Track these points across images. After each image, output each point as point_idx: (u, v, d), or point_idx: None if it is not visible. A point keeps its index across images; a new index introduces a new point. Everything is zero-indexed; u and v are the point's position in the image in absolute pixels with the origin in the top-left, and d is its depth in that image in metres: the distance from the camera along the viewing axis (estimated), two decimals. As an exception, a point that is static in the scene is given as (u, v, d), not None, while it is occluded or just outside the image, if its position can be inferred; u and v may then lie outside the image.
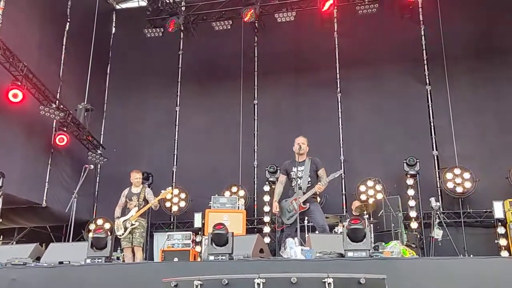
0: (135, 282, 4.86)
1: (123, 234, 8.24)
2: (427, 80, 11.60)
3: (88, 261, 5.26)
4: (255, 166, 12.06)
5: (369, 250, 4.60)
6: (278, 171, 10.59)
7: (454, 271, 4.37)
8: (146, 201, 8.47)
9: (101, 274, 5.05)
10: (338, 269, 3.93)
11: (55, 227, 12.14)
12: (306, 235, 7.10)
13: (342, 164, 11.46)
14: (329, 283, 2.79)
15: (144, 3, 13.52)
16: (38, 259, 5.82)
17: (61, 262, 5.39)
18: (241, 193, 11.37)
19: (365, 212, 9.15)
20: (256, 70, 12.79)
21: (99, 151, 12.02)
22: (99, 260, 5.24)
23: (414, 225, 10.13)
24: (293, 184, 7.03)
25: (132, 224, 8.24)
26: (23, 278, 5.07)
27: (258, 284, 2.83)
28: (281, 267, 4.53)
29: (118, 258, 8.65)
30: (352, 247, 4.56)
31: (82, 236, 11.43)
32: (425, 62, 11.70)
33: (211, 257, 4.90)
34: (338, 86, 12.13)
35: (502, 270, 4.35)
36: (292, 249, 5.17)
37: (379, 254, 4.76)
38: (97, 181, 12.77)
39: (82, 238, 11.26)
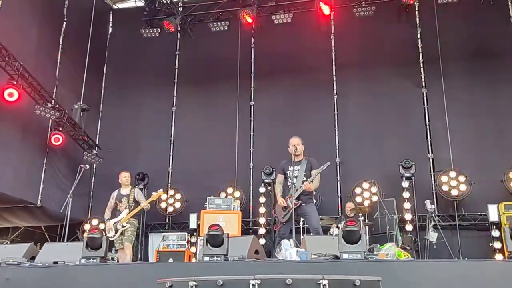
0: (130, 282, 4.84)
1: (114, 236, 8.20)
2: (423, 82, 11.63)
3: (83, 261, 5.24)
4: (251, 167, 12.06)
5: (364, 252, 4.60)
6: (274, 172, 10.60)
7: (448, 273, 4.38)
8: (136, 202, 8.43)
9: (95, 274, 5.03)
10: (333, 271, 3.93)
11: (49, 227, 12.11)
12: (301, 237, 7.12)
13: (338, 166, 11.47)
14: (324, 285, 2.79)
15: (141, 3, 13.52)
16: (32, 258, 5.79)
17: (55, 262, 5.36)
18: (237, 194, 11.36)
19: (360, 214, 9.17)
20: (252, 71, 12.80)
21: (94, 151, 11.99)
22: (94, 260, 5.22)
23: (409, 227, 10.15)
24: (289, 183, 7.03)
25: (123, 226, 8.22)
26: (17, 278, 5.05)
27: (253, 285, 2.83)
28: (276, 268, 4.53)
29: (113, 259, 8.62)
30: (347, 249, 4.56)
31: (77, 236, 11.39)
32: (421, 65, 11.74)
33: (206, 258, 4.89)
34: (335, 88, 12.15)
35: (496, 273, 4.36)
36: (287, 250, 5.16)
37: (374, 256, 4.76)
38: (93, 181, 12.74)
39: (77, 238, 11.23)
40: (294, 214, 6.68)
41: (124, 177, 8.63)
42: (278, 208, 7.14)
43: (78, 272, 5.10)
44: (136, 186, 10.17)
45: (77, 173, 8.72)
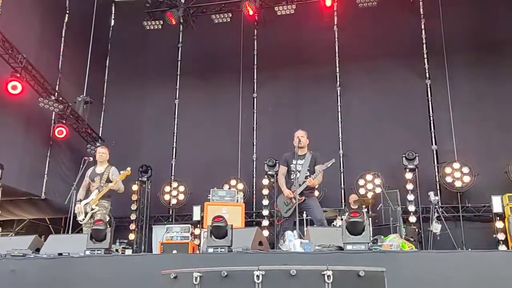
0: (134, 273, 4.86)
1: (83, 219, 7.68)
2: (427, 74, 11.58)
3: (88, 252, 5.26)
4: (254, 159, 12.06)
5: (368, 243, 4.60)
6: (277, 164, 10.61)
7: (452, 264, 4.38)
8: (109, 182, 7.77)
9: (100, 266, 5.05)
10: (337, 262, 3.94)
11: (54, 219, 12.16)
12: (305, 229, 7.13)
13: (341, 158, 11.46)
14: (328, 276, 2.77)
15: (143, -5, 13.45)
16: (37, 250, 5.82)
17: (60, 254, 5.39)
18: (240, 186, 11.38)
19: (363, 206, 9.17)
20: (255, 63, 12.76)
21: (97, 144, 11.99)
22: (99, 252, 5.25)
23: (412, 219, 10.15)
24: (291, 177, 7.03)
25: (92, 209, 7.63)
26: (22, 269, 5.07)
27: (258, 276, 2.81)
28: (280, 259, 4.54)
29: (117, 250, 8.63)
30: (351, 240, 4.56)
31: (81, 228, 11.41)
32: (425, 56, 11.68)
33: (210, 250, 4.90)
34: (338, 80, 12.12)
35: (499, 263, 4.36)
36: (291, 241, 5.16)
37: (378, 247, 4.76)
38: (96, 173, 12.74)
39: (80, 231, 11.24)
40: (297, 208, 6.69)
41: (99, 153, 8.03)
42: (280, 202, 7.14)
43: (83, 263, 5.13)
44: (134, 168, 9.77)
45: (81, 166, 8.72)
